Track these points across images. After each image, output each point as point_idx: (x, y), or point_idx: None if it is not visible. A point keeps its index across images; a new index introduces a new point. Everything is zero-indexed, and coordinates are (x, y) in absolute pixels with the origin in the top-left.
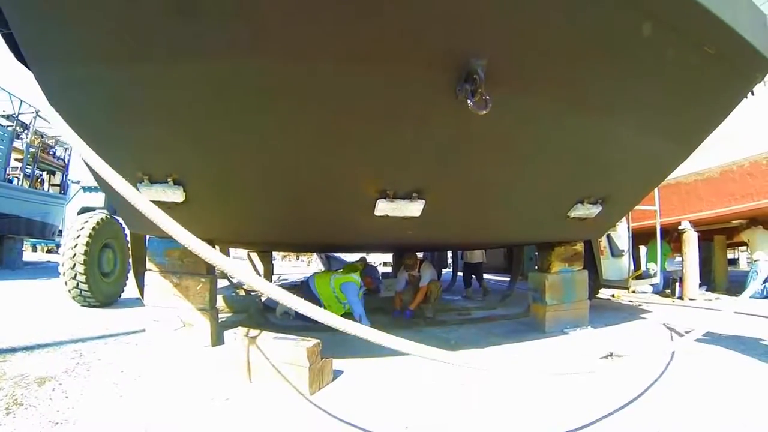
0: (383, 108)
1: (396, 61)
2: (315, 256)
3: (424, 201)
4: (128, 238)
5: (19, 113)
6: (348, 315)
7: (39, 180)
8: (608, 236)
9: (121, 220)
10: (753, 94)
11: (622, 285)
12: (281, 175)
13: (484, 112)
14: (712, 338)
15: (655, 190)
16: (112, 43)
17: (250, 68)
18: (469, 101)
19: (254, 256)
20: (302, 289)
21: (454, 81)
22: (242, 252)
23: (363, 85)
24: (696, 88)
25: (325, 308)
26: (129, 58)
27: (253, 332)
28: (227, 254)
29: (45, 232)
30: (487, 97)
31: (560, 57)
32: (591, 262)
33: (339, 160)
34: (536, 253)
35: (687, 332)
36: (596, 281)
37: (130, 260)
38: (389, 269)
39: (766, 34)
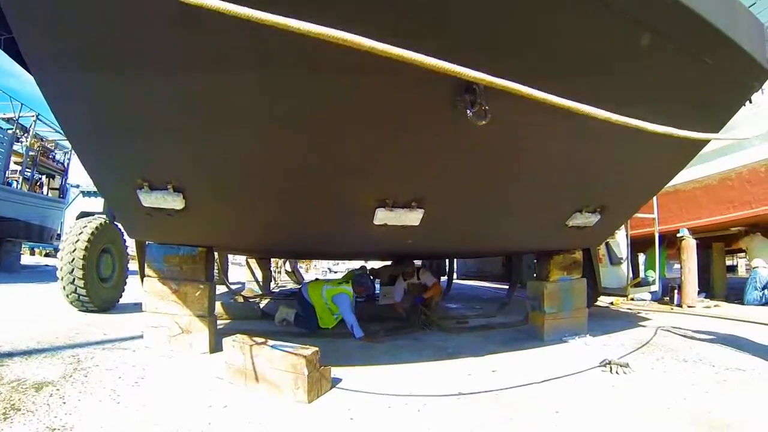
0: (383, 118)
1: (395, 70)
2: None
3: (423, 210)
4: (127, 244)
5: (19, 116)
6: (340, 325)
7: (38, 183)
8: (607, 244)
9: (119, 226)
10: (751, 102)
11: (621, 293)
12: (280, 182)
13: (483, 122)
14: (711, 343)
15: (654, 197)
16: (113, 51)
17: (250, 78)
18: (468, 112)
19: (253, 262)
20: (298, 297)
21: (453, 91)
22: (241, 258)
23: (363, 95)
24: (694, 98)
25: (318, 318)
26: (130, 66)
27: (252, 339)
28: (226, 260)
29: (43, 236)
30: (486, 108)
31: (559, 68)
32: (590, 270)
33: (338, 168)
34: (535, 261)
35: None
36: (595, 289)
37: (137, 266)
38: None
39: (764, 43)
